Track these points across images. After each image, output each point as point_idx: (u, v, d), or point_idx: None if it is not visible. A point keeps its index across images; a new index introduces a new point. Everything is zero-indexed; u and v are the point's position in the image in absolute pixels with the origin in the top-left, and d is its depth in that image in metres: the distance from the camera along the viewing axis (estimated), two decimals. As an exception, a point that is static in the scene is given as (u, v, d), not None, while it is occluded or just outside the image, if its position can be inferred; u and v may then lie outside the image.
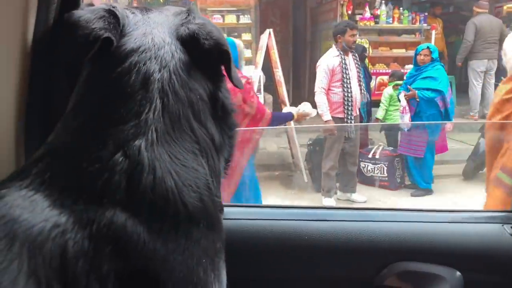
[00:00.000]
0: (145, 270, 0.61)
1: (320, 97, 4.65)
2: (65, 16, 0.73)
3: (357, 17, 8.40)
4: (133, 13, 0.80)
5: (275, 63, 5.91)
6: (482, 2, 7.82)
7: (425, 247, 1.10)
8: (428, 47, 5.07)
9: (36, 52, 0.79)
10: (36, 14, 0.78)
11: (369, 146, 5.55)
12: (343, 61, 4.63)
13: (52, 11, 0.81)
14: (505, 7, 8.65)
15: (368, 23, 8.48)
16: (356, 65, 4.85)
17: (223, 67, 0.81)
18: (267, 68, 6.19)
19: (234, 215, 1.15)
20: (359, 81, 4.81)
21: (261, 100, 6.40)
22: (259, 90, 6.21)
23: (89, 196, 0.62)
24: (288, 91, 6.73)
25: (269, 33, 5.91)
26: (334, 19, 8.40)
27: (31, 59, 0.78)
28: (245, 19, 8.48)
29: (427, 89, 4.85)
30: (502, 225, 1.13)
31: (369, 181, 5.36)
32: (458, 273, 1.06)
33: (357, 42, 5.56)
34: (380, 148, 5.46)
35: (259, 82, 6.02)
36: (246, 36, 8.35)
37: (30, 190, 0.61)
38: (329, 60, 4.68)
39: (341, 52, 4.67)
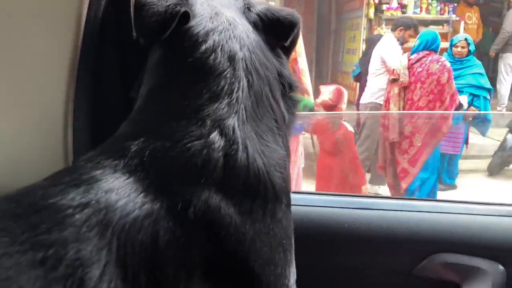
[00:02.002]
0: (234, 252, 0.61)
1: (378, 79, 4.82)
2: (134, 1, 0.72)
3: (384, 7, 8.22)
4: None
5: (299, 51, 5.84)
6: None
7: (467, 239, 1.08)
8: (466, 39, 4.87)
9: (85, 46, 0.79)
10: (87, 9, 0.79)
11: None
12: None
13: (102, 5, 0.82)
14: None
15: (395, 13, 8.29)
16: None
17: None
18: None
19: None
20: None
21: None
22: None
23: (187, 175, 0.61)
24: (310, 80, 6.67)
25: (295, 21, 5.84)
26: (359, 8, 8.25)
27: (80, 53, 0.79)
28: (269, 7, 8.40)
29: (483, 88, 4.71)
30: None
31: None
32: (500, 267, 1.04)
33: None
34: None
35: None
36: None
37: (125, 172, 0.60)
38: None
39: None
